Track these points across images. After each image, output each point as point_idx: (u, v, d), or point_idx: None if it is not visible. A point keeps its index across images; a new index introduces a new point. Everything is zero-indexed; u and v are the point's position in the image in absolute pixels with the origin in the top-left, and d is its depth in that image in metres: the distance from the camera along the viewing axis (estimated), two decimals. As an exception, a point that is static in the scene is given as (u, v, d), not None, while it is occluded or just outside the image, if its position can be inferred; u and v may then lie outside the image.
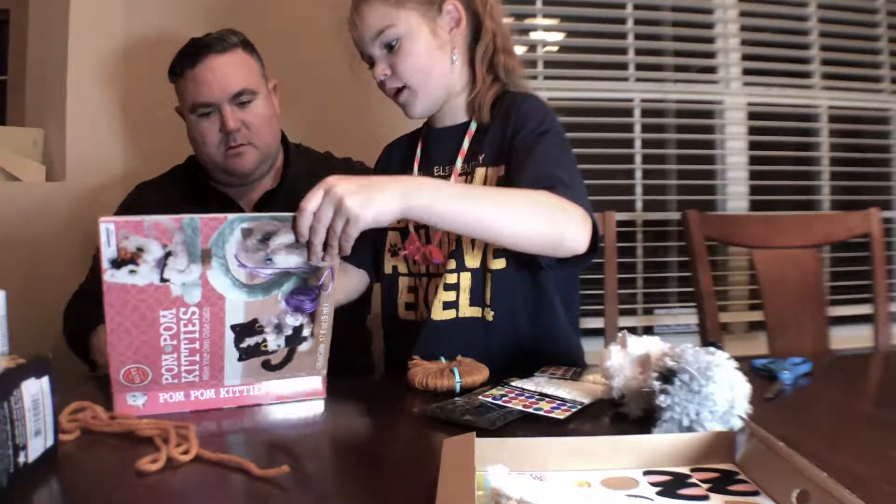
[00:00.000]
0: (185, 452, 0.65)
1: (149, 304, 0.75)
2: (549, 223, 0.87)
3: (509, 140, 1.00)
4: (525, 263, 1.01)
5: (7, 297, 0.75)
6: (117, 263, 0.72)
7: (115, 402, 0.79)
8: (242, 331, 0.81)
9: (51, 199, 1.56)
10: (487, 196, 0.87)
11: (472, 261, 1.02)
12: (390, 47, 1.00)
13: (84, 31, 1.57)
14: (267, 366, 0.84)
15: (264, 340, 0.82)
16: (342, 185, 0.75)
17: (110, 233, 0.71)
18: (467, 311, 1.03)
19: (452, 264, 1.02)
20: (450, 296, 1.03)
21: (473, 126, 1.06)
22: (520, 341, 1.03)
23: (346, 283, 1.13)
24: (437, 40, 1.02)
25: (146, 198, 1.37)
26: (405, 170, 1.14)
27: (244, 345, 0.81)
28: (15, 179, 1.54)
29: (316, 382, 0.87)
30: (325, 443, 0.77)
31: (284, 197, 1.33)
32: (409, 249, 1.07)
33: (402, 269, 1.11)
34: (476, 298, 1.03)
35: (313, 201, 0.76)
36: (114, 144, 1.62)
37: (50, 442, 0.64)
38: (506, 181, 0.99)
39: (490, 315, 1.02)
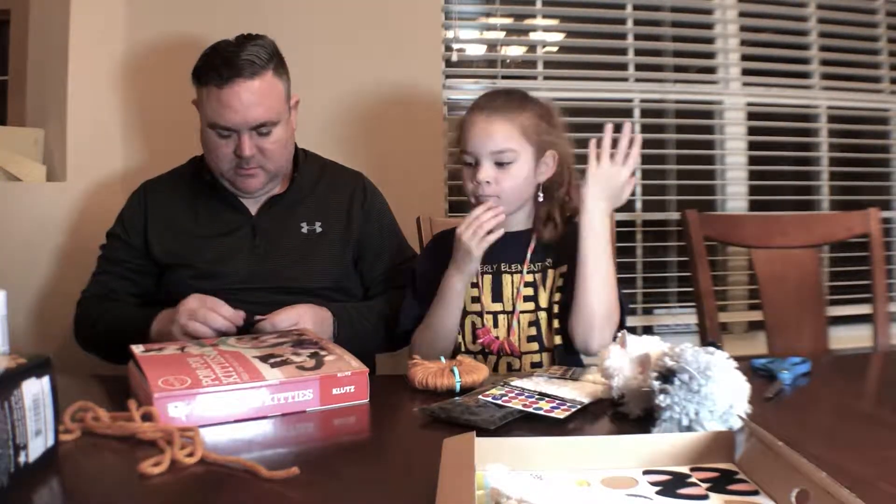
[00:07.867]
0: (190, 455, 0.64)
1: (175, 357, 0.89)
2: (608, 318, 1.09)
3: (571, 250, 1.13)
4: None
5: (7, 297, 0.75)
6: None
7: (156, 414, 0.74)
8: (263, 359, 0.90)
9: (51, 199, 1.56)
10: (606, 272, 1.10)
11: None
12: (501, 164, 1.13)
13: (85, 31, 1.57)
14: (302, 369, 0.87)
15: (288, 358, 0.90)
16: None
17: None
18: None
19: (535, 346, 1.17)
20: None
21: (534, 241, 1.20)
22: None
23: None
24: (535, 176, 1.18)
25: (154, 198, 1.36)
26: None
27: (270, 362, 0.89)
28: (15, 179, 1.54)
29: (362, 383, 0.88)
30: (324, 443, 0.77)
31: (289, 203, 1.34)
32: (484, 339, 1.17)
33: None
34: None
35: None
36: (114, 145, 1.61)
37: (50, 442, 0.64)
38: (568, 275, 1.14)
39: None
